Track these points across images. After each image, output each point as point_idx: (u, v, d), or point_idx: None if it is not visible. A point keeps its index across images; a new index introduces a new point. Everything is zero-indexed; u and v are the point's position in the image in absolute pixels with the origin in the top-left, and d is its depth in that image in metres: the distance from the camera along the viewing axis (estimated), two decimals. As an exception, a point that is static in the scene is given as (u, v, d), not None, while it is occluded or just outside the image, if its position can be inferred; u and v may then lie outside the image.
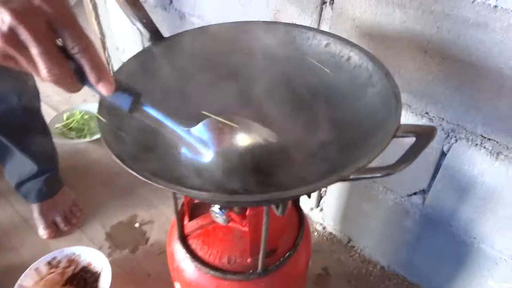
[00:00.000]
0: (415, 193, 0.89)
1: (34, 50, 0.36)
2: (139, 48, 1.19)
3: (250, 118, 0.51)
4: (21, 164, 1.09)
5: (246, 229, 0.66)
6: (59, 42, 0.38)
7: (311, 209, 1.18)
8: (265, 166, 0.51)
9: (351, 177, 0.39)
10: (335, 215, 1.12)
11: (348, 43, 0.61)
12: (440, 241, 0.89)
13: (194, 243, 0.68)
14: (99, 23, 1.57)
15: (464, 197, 0.80)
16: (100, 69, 0.39)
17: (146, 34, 0.63)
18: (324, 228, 1.17)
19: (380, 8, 0.72)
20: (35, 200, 1.12)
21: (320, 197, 1.13)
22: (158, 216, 1.19)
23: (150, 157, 0.49)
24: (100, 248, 1.07)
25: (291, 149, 0.53)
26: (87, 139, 1.44)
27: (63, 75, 0.38)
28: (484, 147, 0.72)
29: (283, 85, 0.63)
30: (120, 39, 1.52)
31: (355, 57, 0.61)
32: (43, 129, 1.14)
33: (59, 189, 1.18)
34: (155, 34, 0.63)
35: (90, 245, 1.06)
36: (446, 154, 0.78)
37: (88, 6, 1.49)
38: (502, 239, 0.79)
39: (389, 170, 0.38)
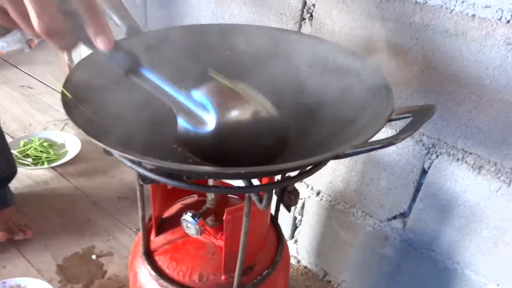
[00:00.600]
0: (394, 217, 0.85)
1: None
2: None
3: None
4: None
5: (220, 242, 0.59)
6: None
7: (285, 241, 1.11)
8: (264, 143, 0.46)
9: (351, 151, 0.35)
10: (310, 247, 1.06)
11: (333, 45, 0.60)
12: (422, 269, 0.85)
13: (161, 260, 0.60)
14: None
15: (446, 217, 0.77)
16: (100, 22, 0.37)
17: (123, 27, 0.59)
18: (298, 261, 1.10)
19: (359, 22, 0.72)
20: None
21: (294, 228, 1.07)
22: (118, 248, 1.08)
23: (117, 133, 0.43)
24: (50, 282, 0.94)
25: (290, 131, 0.49)
26: (45, 166, 1.33)
27: (56, 26, 0.34)
28: (466, 162, 0.71)
29: (271, 85, 0.60)
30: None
31: (341, 57, 0.59)
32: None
33: (7, 206, 1.07)
34: (132, 27, 0.60)
35: (39, 278, 0.94)
36: (427, 172, 0.76)
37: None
38: (487, 264, 0.75)
39: (391, 139, 0.35)
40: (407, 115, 0.42)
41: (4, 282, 0.87)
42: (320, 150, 0.38)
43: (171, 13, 1.04)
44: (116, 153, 0.38)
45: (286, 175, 0.50)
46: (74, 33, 0.37)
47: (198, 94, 0.46)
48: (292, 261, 1.11)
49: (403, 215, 0.84)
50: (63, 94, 0.46)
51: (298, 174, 0.42)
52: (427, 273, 0.85)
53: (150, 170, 0.41)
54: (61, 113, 1.67)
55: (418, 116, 0.40)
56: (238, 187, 0.41)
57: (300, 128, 0.53)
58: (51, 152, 1.39)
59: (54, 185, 1.29)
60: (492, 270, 0.75)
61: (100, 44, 0.38)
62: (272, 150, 0.47)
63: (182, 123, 0.46)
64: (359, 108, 0.50)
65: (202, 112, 0.46)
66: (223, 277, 0.58)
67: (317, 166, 0.42)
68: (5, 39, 2.45)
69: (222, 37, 0.65)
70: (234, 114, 0.46)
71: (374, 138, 0.40)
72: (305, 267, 1.09)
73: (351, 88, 0.55)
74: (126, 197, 1.26)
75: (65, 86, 0.46)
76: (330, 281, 1.06)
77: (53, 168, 1.34)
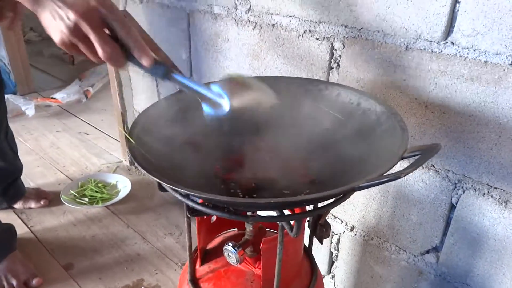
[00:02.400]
0: (427, 251, 0.88)
1: (92, 36, 0.48)
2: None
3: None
4: None
5: (258, 271, 0.66)
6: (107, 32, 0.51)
7: (323, 276, 1.14)
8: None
9: (364, 184, 0.41)
10: (347, 282, 1.08)
11: (356, 91, 0.68)
12: (459, 304, 0.86)
13: (205, 286, 0.67)
14: (121, 99, 1.69)
15: (478, 251, 0.79)
16: (142, 46, 0.51)
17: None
18: (336, 297, 1.13)
19: (381, 70, 0.80)
20: None
21: (331, 263, 1.11)
22: (165, 281, 1.16)
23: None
24: (104, 311, 1.03)
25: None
26: (99, 205, 1.46)
27: (114, 52, 0.50)
28: (492, 196, 0.74)
29: (300, 129, 0.68)
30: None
31: (364, 103, 0.67)
32: None
33: (8, 252, 1.13)
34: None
35: (94, 308, 1.03)
36: (455, 206, 0.80)
37: (114, 82, 1.63)
38: (522, 298, 0.76)
39: (397, 174, 0.41)
40: (417, 153, 0.48)
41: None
42: (339, 185, 0.45)
43: (213, 67, 1.16)
44: (168, 187, 0.47)
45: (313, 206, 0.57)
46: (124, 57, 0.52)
47: (216, 87, 0.59)
48: (330, 296, 1.13)
49: (436, 249, 0.86)
50: (128, 140, 0.56)
51: (323, 206, 0.49)
52: (464, 308, 0.85)
53: (197, 202, 0.49)
54: (114, 156, 1.83)
55: (425, 154, 0.46)
56: (271, 216, 0.48)
57: (326, 165, 0.60)
58: (105, 192, 1.53)
59: (107, 222, 1.40)
60: (528, 304, 0.76)
61: (145, 62, 0.52)
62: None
63: (206, 108, 0.58)
64: (378, 147, 0.57)
65: (219, 98, 0.58)
66: (261, 303, 0.64)
67: (340, 198, 0.49)
68: (65, 90, 2.71)
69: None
70: (241, 99, 0.59)
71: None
72: (343, 303, 1.11)
73: (372, 130, 0.62)
74: (171, 234, 1.35)
75: (130, 133, 0.57)
76: (368, 318, 1.07)
77: (106, 207, 1.47)
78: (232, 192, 0.58)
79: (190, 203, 0.51)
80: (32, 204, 1.44)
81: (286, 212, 0.53)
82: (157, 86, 1.46)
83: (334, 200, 0.49)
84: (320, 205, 0.51)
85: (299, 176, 0.59)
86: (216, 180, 0.59)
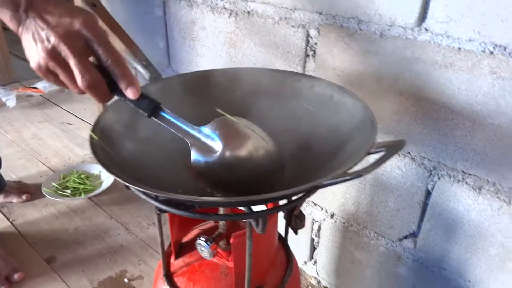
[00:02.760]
0: (405, 237, 0.88)
1: (71, 61, 0.44)
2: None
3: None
4: None
5: (232, 264, 0.65)
6: (93, 60, 0.47)
7: (305, 262, 1.15)
8: (263, 170, 0.53)
9: (327, 182, 0.41)
10: (329, 267, 1.09)
11: (330, 84, 0.67)
12: (436, 288, 0.87)
13: (179, 281, 0.67)
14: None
15: (454, 236, 0.79)
16: (129, 77, 0.47)
17: (146, 74, 0.69)
18: (318, 282, 1.14)
19: (357, 57, 0.79)
20: None
21: (313, 249, 1.11)
22: (148, 272, 1.16)
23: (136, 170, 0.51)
24: (86, 304, 1.03)
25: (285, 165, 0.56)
26: (82, 196, 1.45)
27: (95, 81, 0.45)
28: (466, 183, 0.74)
29: (271, 119, 0.67)
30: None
31: (337, 96, 0.66)
32: None
33: None
34: (154, 73, 0.69)
35: (76, 300, 1.03)
36: (431, 193, 0.80)
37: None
38: (497, 281, 0.77)
39: (359, 172, 0.40)
40: (382, 149, 0.47)
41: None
42: (305, 181, 0.44)
43: (190, 54, 1.14)
44: (132, 187, 0.46)
45: (283, 202, 0.57)
46: (109, 89, 0.47)
47: (207, 129, 0.55)
48: (313, 281, 1.15)
49: (413, 235, 0.87)
50: (91, 137, 0.55)
51: (289, 203, 0.49)
52: (441, 292, 0.87)
53: (161, 202, 0.49)
54: (97, 146, 1.80)
55: (390, 150, 0.45)
56: (236, 215, 0.47)
57: (296, 159, 0.59)
58: (88, 183, 1.51)
59: (90, 214, 1.39)
60: (502, 287, 0.77)
61: (130, 94, 0.48)
62: (269, 178, 0.54)
63: (195, 155, 0.54)
64: (349, 142, 0.56)
65: (211, 142, 0.54)
66: (235, 296, 0.64)
67: (306, 195, 0.48)
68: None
69: (231, 80, 0.73)
70: (236, 144, 0.54)
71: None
72: (325, 287, 1.13)
73: (344, 123, 0.61)
74: (155, 224, 1.33)
75: (93, 130, 0.55)
76: (350, 302, 1.08)
77: (89, 198, 1.46)
78: (202, 189, 0.57)
79: (157, 204, 0.50)
80: (14, 199, 1.42)
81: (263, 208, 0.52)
82: (135, 75, 1.43)
83: (300, 197, 0.48)
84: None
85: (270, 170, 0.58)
86: (185, 177, 0.58)
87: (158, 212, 0.55)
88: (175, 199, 0.45)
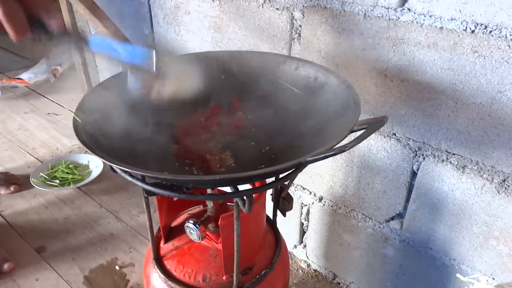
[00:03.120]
0: (392, 218, 0.90)
1: None
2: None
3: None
4: None
5: (220, 246, 0.66)
6: None
7: (295, 246, 1.17)
8: None
9: (311, 158, 0.41)
10: (318, 250, 1.11)
11: (315, 65, 0.67)
12: (423, 267, 0.89)
13: (169, 264, 0.67)
14: (88, 78, 1.64)
15: (439, 216, 0.81)
16: (50, 7, 0.43)
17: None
18: (308, 265, 1.15)
19: (342, 39, 0.79)
20: None
21: (303, 233, 1.13)
22: (139, 259, 1.16)
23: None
24: (77, 292, 1.03)
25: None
26: (71, 186, 1.44)
27: (11, 10, 0.41)
28: (450, 162, 0.75)
29: (258, 104, 0.67)
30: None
31: (322, 77, 0.66)
32: None
33: None
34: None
35: (67, 288, 1.03)
36: (416, 174, 0.81)
37: (78, 61, 1.57)
38: (481, 258, 0.79)
39: (342, 147, 0.41)
40: (365, 126, 0.48)
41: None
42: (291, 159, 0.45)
43: (175, 40, 1.13)
44: (117, 168, 0.46)
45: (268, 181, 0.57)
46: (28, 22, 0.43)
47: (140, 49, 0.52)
48: (303, 265, 1.16)
49: (400, 216, 0.88)
50: (74, 119, 0.54)
51: (275, 181, 0.49)
52: (427, 270, 0.88)
53: (149, 184, 0.49)
54: (85, 136, 1.79)
55: (371, 127, 0.46)
56: (222, 194, 0.48)
57: (282, 140, 0.60)
58: (76, 173, 1.50)
59: (79, 203, 1.39)
60: (486, 264, 0.79)
61: (54, 25, 0.44)
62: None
63: (131, 76, 0.52)
64: (334, 121, 0.56)
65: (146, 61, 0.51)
66: (224, 278, 0.65)
67: (291, 173, 0.49)
68: (32, 70, 2.61)
69: (218, 63, 0.73)
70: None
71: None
72: (315, 270, 1.14)
73: (328, 104, 0.61)
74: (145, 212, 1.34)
75: (76, 112, 0.55)
76: (339, 283, 1.10)
77: (78, 188, 1.45)
78: (188, 170, 0.57)
79: (143, 185, 0.50)
80: (2, 191, 1.41)
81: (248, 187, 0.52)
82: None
83: (286, 175, 0.49)
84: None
85: (257, 150, 0.58)
86: (171, 157, 0.58)
87: (146, 195, 0.55)
88: (161, 178, 0.45)
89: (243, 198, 0.50)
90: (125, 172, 0.49)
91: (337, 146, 0.43)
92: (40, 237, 1.24)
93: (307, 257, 1.15)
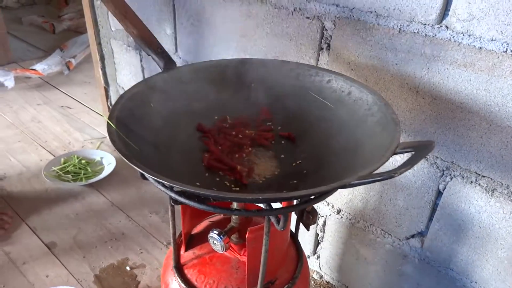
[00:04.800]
0: (412, 236, 0.88)
1: None
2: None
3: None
4: None
5: (244, 258, 0.65)
6: None
7: (308, 256, 1.15)
8: None
9: (355, 182, 0.40)
10: (332, 262, 1.09)
11: (348, 79, 0.65)
12: None
13: (190, 273, 0.66)
14: (104, 74, 1.64)
15: (462, 237, 0.79)
16: None
17: (160, 63, 0.67)
18: (321, 277, 1.14)
19: (373, 52, 0.77)
20: None
21: (317, 244, 1.11)
22: (150, 260, 1.15)
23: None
24: (88, 291, 1.02)
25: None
26: (83, 182, 1.43)
27: None
28: (479, 184, 0.74)
29: (288, 116, 0.66)
30: (123, 89, 1.58)
31: (355, 91, 0.65)
32: None
33: None
34: (169, 62, 0.67)
35: (78, 287, 1.02)
36: (442, 193, 0.79)
37: (96, 56, 1.57)
38: (504, 283, 0.77)
39: (391, 173, 0.39)
40: (409, 149, 0.46)
41: (48, 291, 0.96)
42: (329, 180, 0.43)
43: (198, 42, 1.12)
44: (151, 178, 0.45)
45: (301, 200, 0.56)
46: None
47: None
48: (315, 276, 1.15)
49: (421, 234, 0.87)
50: (108, 125, 0.53)
51: (311, 199, 0.48)
52: (446, 291, 0.87)
53: (179, 194, 0.47)
54: (98, 132, 1.78)
55: (419, 151, 0.44)
56: (258, 210, 0.46)
57: (316, 157, 0.58)
58: (89, 169, 1.49)
59: (91, 200, 1.38)
60: (508, 289, 0.77)
61: None
62: None
63: None
64: (369, 140, 0.55)
65: None
66: (246, 291, 0.64)
67: (327, 193, 0.47)
68: (46, 61, 2.61)
69: (246, 70, 0.72)
70: None
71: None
72: (328, 282, 1.13)
73: (363, 120, 0.60)
74: (157, 212, 1.33)
75: (110, 117, 0.53)
76: (351, 297, 1.09)
77: (90, 184, 1.44)
78: (218, 182, 0.56)
79: (173, 195, 0.49)
80: None
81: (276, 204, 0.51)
82: (141, 61, 1.40)
83: (321, 195, 0.48)
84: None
85: (287, 164, 0.57)
86: (200, 167, 0.57)
87: (172, 203, 0.54)
88: (206, 195, 0.44)
89: (277, 216, 0.49)
90: (157, 181, 0.48)
91: (382, 170, 0.42)
92: (51, 232, 1.24)
93: (320, 268, 1.14)
